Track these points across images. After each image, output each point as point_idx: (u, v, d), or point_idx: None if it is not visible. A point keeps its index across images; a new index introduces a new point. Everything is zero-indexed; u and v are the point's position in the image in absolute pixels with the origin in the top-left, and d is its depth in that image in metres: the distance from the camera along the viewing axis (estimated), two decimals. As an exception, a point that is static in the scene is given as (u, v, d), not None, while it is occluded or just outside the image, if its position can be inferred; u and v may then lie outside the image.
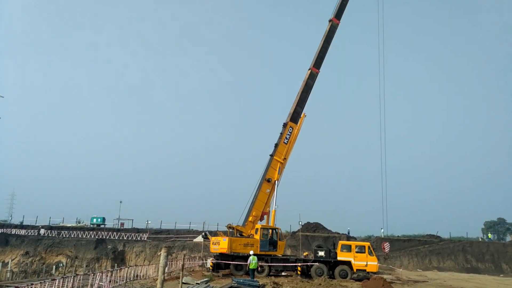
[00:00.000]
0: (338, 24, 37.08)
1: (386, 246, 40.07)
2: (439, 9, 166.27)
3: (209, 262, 32.09)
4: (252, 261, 25.25)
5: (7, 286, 16.88)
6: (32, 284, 15.72)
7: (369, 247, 30.54)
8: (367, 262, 29.59)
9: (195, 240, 56.25)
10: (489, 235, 72.07)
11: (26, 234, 60.95)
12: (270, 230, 31.77)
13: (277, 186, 33.13)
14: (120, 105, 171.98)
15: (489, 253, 55.86)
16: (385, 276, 29.40)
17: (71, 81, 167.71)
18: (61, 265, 52.25)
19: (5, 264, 51.91)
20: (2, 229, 62.35)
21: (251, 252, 26.75)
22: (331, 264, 29.99)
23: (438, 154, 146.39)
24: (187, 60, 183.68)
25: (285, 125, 34.43)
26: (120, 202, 73.76)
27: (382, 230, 55.96)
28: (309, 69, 35.74)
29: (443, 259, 54.66)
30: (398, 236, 61.24)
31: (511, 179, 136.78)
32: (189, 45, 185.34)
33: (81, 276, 21.28)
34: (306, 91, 35.31)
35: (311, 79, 35.54)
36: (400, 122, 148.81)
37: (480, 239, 65.18)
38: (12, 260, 53.25)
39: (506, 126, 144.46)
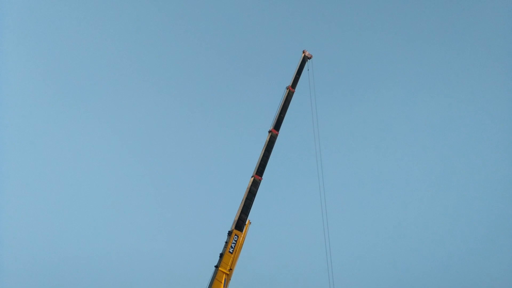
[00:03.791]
0: (277, 135, 39.49)
1: None
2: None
3: None
4: None
5: None
6: None
7: None
8: None
9: None
10: None
11: None
12: None
13: (223, 300, 31.25)
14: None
15: None
16: None
17: None
18: None
19: None
20: None
21: None
22: None
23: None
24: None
25: (230, 233, 33.76)
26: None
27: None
28: (252, 177, 36.57)
29: None
30: None
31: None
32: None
33: None
34: (250, 198, 35.63)
35: (254, 186, 36.22)
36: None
37: None
38: None
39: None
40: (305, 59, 45.78)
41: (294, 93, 42.43)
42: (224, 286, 31.66)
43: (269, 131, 39.11)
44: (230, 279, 32.59)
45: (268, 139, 38.70)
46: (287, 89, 42.15)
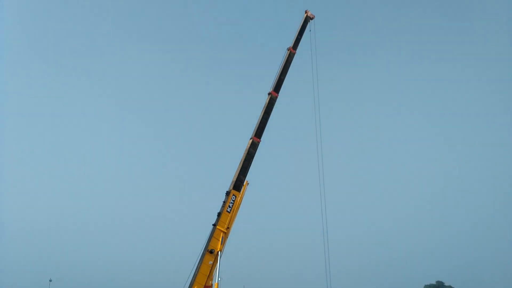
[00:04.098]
0: (277, 97, 39.09)
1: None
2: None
3: None
4: None
5: None
6: None
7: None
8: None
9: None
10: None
11: None
12: (214, 305, 30.34)
13: (220, 257, 32.19)
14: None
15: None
16: None
17: None
18: None
19: None
20: None
21: None
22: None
23: (374, 220, 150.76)
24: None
25: (228, 193, 34.33)
26: (50, 280, 68.36)
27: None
28: (250, 139, 36.69)
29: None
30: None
31: (448, 242, 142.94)
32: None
33: None
34: (248, 160, 35.94)
35: (253, 148, 36.43)
36: (341, 184, 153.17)
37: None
38: None
39: (444, 183, 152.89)
40: (307, 20, 44.60)
41: (295, 54, 41.82)
42: (221, 243, 32.57)
43: (269, 93, 38.76)
44: (227, 237, 33.49)
45: (267, 101, 38.45)
46: (288, 50, 41.41)
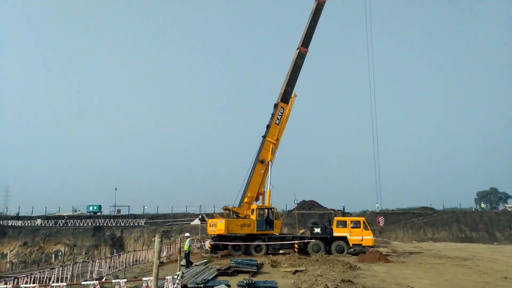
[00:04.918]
0: (324, 3, 36.81)
1: (381, 220, 40.89)
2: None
3: (207, 244, 32.48)
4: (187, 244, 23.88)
5: (7, 277, 16.99)
6: (32, 274, 15.85)
7: (364, 222, 31.00)
8: (363, 237, 30.07)
9: (192, 223, 56.68)
10: (482, 205, 73.30)
11: (22, 225, 61.17)
12: (266, 210, 32.09)
13: (271, 166, 33.35)
14: (113, 92, 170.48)
15: (483, 222, 57.01)
16: (380, 249, 29.99)
17: (63, 70, 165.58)
18: (60, 254, 52.57)
19: (4, 256, 52.21)
20: (-2, 221, 62.47)
21: (187, 234, 26.17)
22: (328, 240, 30.43)
23: (430, 126, 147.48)
24: (173, 44, 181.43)
25: (276, 106, 34.46)
26: (116, 189, 74.03)
27: (377, 205, 56.72)
28: (297, 49, 35.62)
29: (437, 230, 55.71)
30: (392, 210, 62.12)
31: (503, 149, 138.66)
32: (172, 28, 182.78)
33: (81, 264, 21.52)
34: (296, 71, 35.24)
35: (300, 58, 35.44)
36: (392, 95, 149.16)
37: (473, 209, 66.31)
38: (11, 251, 53.53)
39: (499, 96, 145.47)
40: None
41: None
42: (271, 154, 33.54)
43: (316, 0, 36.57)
44: (277, 148, 34.33)
45: (314, 7, 36.38)
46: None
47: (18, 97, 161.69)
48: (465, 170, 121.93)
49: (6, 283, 12.15)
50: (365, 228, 30.42)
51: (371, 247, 29.65)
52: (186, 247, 23.71)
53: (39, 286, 10.41)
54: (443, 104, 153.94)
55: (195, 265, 22.70)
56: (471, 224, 56.37)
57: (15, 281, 14.46)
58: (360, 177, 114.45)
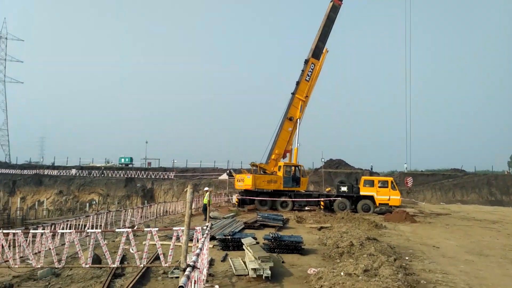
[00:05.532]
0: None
1: (409, 181, 40.35)
2: None
3: (235, 198, 33.13)
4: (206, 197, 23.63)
5: (45, 223, 17.95)
6: (68, 221, 16.68)
7: (392, 182, 30.75)
8: (390, 196, 29.93)
9: (220, 177, 57.81)
10: (515, 168, 71.28)
11: (58, 174, 63.92)
12: (293, 167, 32.20)
13: (299, 124, 33.08)
14: (143, 47, 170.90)
15: (514, 186, 55.60)
16: (407, 210, 29.84)
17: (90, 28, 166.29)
18: (94, 202, 55.02)
19: (40, 203, 55.01)
20: (35, 170, 65.44)
21: (206, 189, 26.13)
22: (354, 199, 30.48)
23: (462, 86, 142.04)
24: (202, 4, 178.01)
25: (306, 61, 33.61)
26: (146, 142, 75.85)
27: (406, 165, 56.00)
28: (331, 1, 34.17)
29: (467, 193, 54.83)
30: (421, 171, 61.31)
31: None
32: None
33: (114, 213, 22.46)
34: (328, 25, 33.95)
35: (333, 11, 34.00)
36: (426, 53, 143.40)
37: (505, 173, 64.60)
38: (47, 199, 56.38)
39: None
40: None
41: None
42: (300, 111, 33.17)
43: None
44: (306, 106, 33.85)
45: (350, -42, 34.64)
46: None
47: (50, 50, 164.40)
48: (499, 132, 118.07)
49: (44, 228, 12.85)
50: (393, 188, 30.19)
51: (397, 207, 29.55)
52: (205, 200, 24.16)
53: (75, 231, 10.91)
54: (479, 61, 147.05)
55: (223, 217, 23.28)
56: (502, 188, 55.11)
57: (52, 226, 15.25)
58: (390, 136, 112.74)
